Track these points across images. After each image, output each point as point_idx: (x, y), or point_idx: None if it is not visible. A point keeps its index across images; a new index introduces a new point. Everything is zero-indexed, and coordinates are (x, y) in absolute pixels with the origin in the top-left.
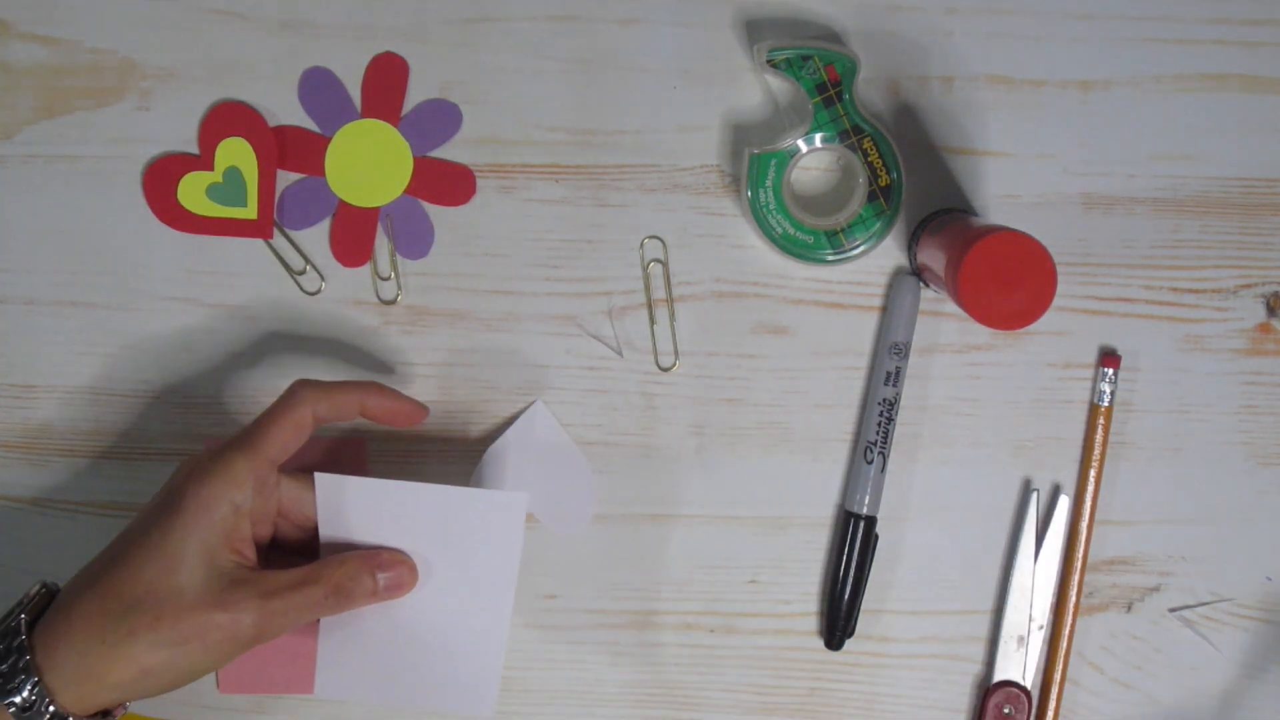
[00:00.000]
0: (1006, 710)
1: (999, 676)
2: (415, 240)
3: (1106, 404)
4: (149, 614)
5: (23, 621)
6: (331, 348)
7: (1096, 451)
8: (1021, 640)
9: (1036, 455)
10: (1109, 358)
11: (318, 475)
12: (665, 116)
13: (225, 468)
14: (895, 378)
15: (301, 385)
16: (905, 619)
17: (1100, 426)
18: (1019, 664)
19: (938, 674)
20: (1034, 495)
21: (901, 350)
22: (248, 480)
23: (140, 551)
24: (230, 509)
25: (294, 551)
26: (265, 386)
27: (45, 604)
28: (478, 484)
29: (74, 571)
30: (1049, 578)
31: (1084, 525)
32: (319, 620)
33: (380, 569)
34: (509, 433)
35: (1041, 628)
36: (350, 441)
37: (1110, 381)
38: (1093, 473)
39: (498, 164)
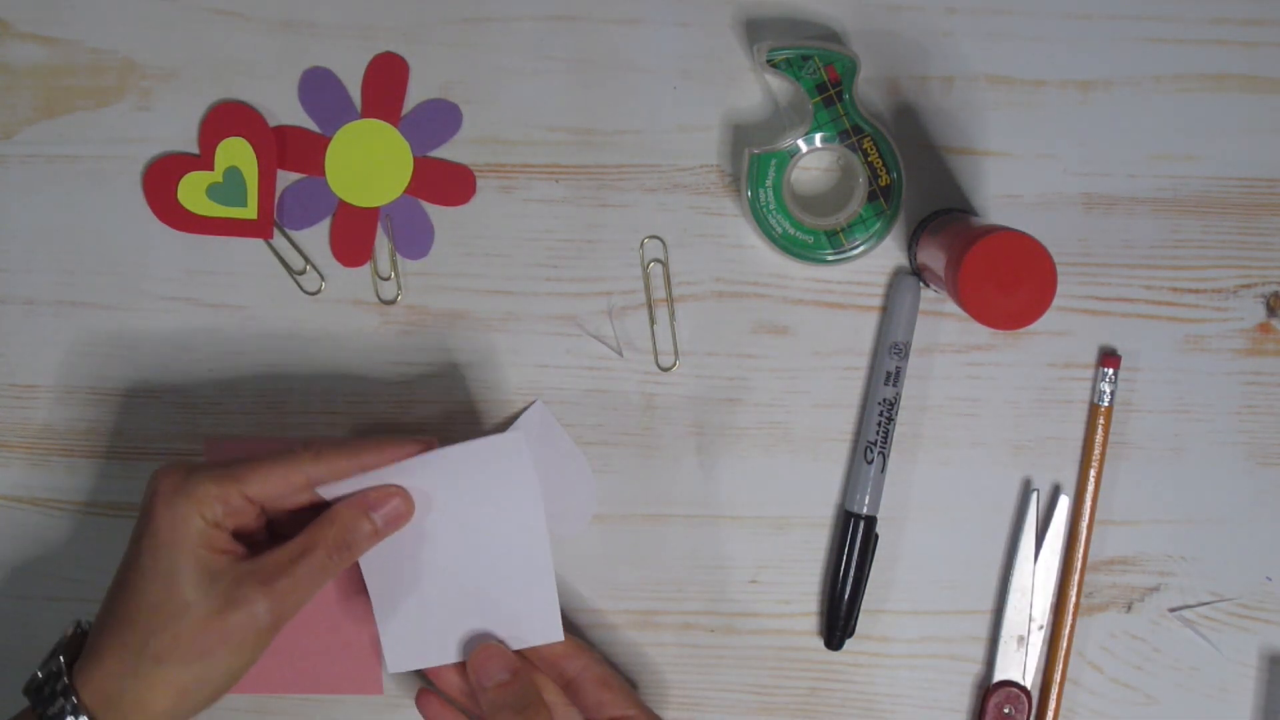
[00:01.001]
0: (1007, 710)
1: (999, 676)
2: (415, 240)
3: (1107, 404)
4: (168, 636)
5: (62, 664)
6: (331, 348)
7: (1096, 451)
8: (1021, 640)
9: (1036, 455)
10: (1109, 358)
11: (320, 489)
12: (665, 116)
13: (193, 489)
14: (895, 378)
15: (304, 448)
16: (905, 619)
17: (1100, 426)
18: (1019, 664)
19: (938, 674)
20: (1034, 495)
21: (901, 350)
22: (215, 505)
23: (137, 577)
24: (202, 523)
25: (298, 528)
26: (265, 386)
27: (81, 643)
28: None
29: (73, 571)
30: (1049, 578)
31: (1084, 525)
32: (371, 609)
33: (372, 508)
34: (506, 433)
35: (1041, 628)
36: None
37: (1110, 381)
38: (1093, 473)
39: (498, 164)
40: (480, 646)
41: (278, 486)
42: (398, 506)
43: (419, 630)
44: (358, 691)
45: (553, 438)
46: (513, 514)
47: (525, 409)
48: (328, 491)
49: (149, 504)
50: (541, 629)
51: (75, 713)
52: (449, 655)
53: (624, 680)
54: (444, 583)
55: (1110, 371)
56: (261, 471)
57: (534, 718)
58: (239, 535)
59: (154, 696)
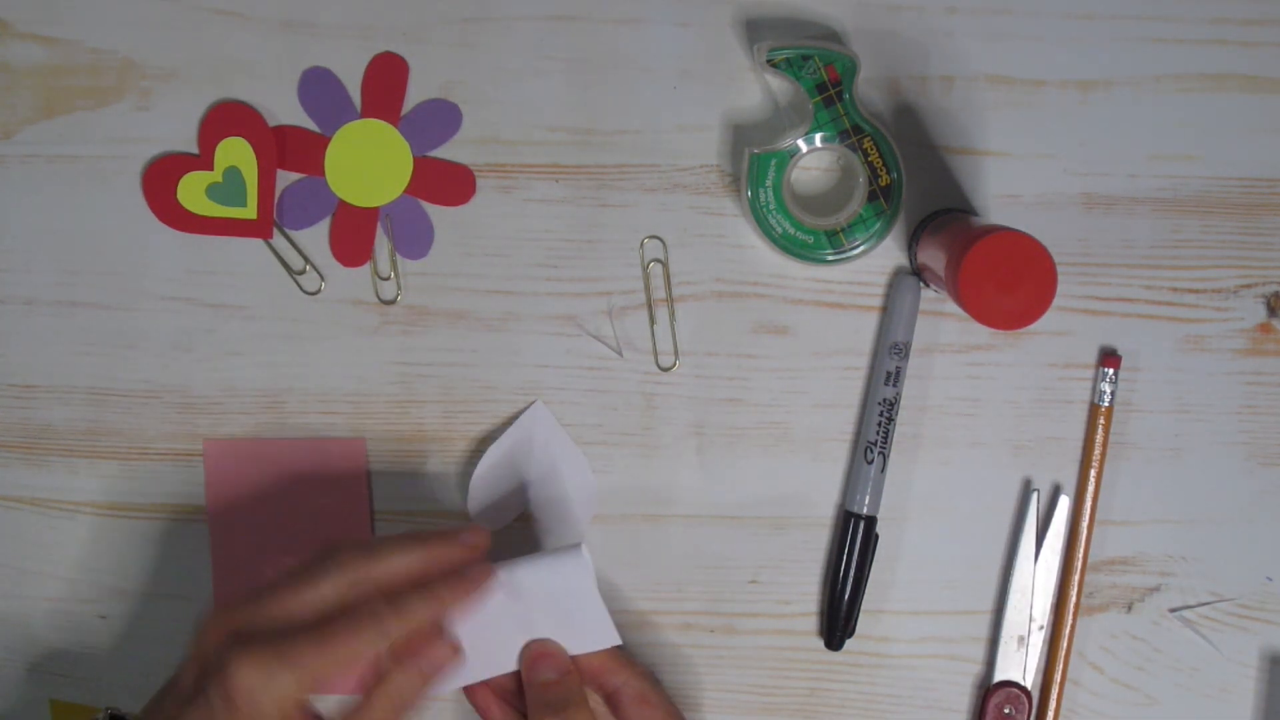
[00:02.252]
0: (1007, 710)
1: (999, 677)
2: (415, 240)
3: (1107, 404)
4: None
5: None
6: (331, 348)
7: (1097, 452)
8: (1022, 640)
9: (1036, 455)
10: (1109, 358)
11: None
12: (665, 116)
13: (274, 685)
14: (895, 378)
15: (377, 604)
16: (905, 619)
17: (1100, 426)
18: (1019, 664)
19: (938, 674)
20: (1034, 495)
21: (901, 350)
22: (304, 693)
23: None
24: (289, 712)
25: None
26: (265, 386)
27: None
28: (476, 484)
29: (72, 571)
30: (1049, 578)
31: (1084, 525)
32: None
33: (422, 668)
34: (509, 433)
35: (1042, 628)
36: (350, 443)
37: (1111, 381)
38: (1093, 473)
39: (498, 164)
40: (535, 642)
41: (360, 660)
42: (442, 654)
43: (474, 646)
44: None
45: (553, 438)
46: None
47: (525, 409)
48: None
49: (232, 690)
50: (595, 638)
51: None
52: (506, 666)
53: (666, 698)
54: (496, 607)
55: (1110, 371)
56: (343, 646)
57: (572, 717)
58: None
59: None
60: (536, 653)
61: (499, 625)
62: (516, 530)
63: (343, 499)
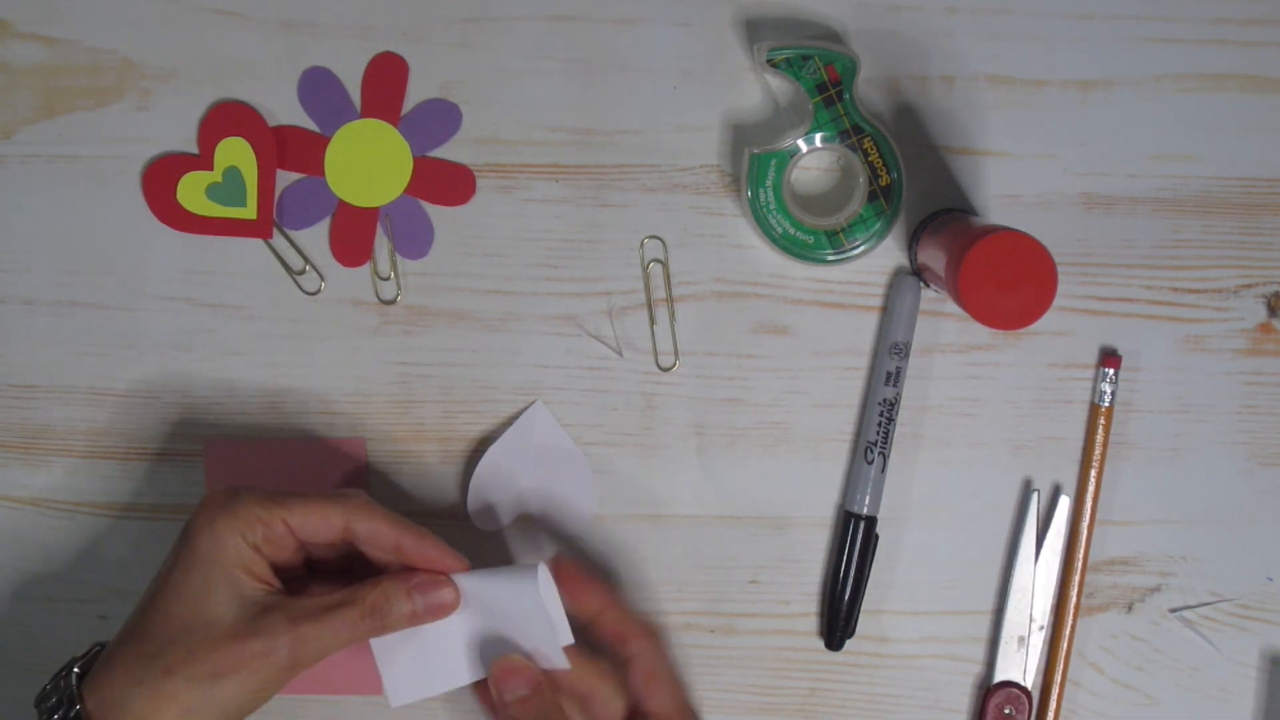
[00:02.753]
0: (1007, 711)
1: (999, 677)
2: (415, 240)
3: (1107, 404)
4: (182, 649)
5: (74, 675)
6: (331, 348)
7: (1097, 452)
8: (1022, 641)
9: (1036, 455)
10: (1110, 358)
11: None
12: (665, 116)
13: (237, 509)
14: (895, 378)
15: (356, 495)
16: (905, 619)
17: (1101, 427)
18: (1019, 664)
19: (938, 674)
20: (1035, 495)
21: (902, 350)
22: (256, 526)
23: (166, 591)
24: (241, 543)
25: (337, 573)
26: (265, 386)
27: (95, 660)
28: (476, 484)
29: (72, 571)
30: (1049, 578)
31: (1084, 525)
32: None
33: (419, 590)
34: (509, 433)
35: (1042, 628)
36: (350, 443)
37: (1111, 382)
38: (1093, 473)
39: (498, 164)
40: (500, 659)
41: (318, 522)
42: (444, 597)
43: (420, 658)
44: (359, 692)
45: (553, 438)
46: (531, 635)
47: (525, 409)
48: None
49: (191, 521)
50: (546, 656)
51: (76, 718)
52: (452, 683)
53: (675, 676)
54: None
55: (1111, 372)
56: (305, 504)
57: None
58: (279, 572)
59: (158, 710)
60: (503, 669)
61: (456, 636)
62: (516, 530)
63: None
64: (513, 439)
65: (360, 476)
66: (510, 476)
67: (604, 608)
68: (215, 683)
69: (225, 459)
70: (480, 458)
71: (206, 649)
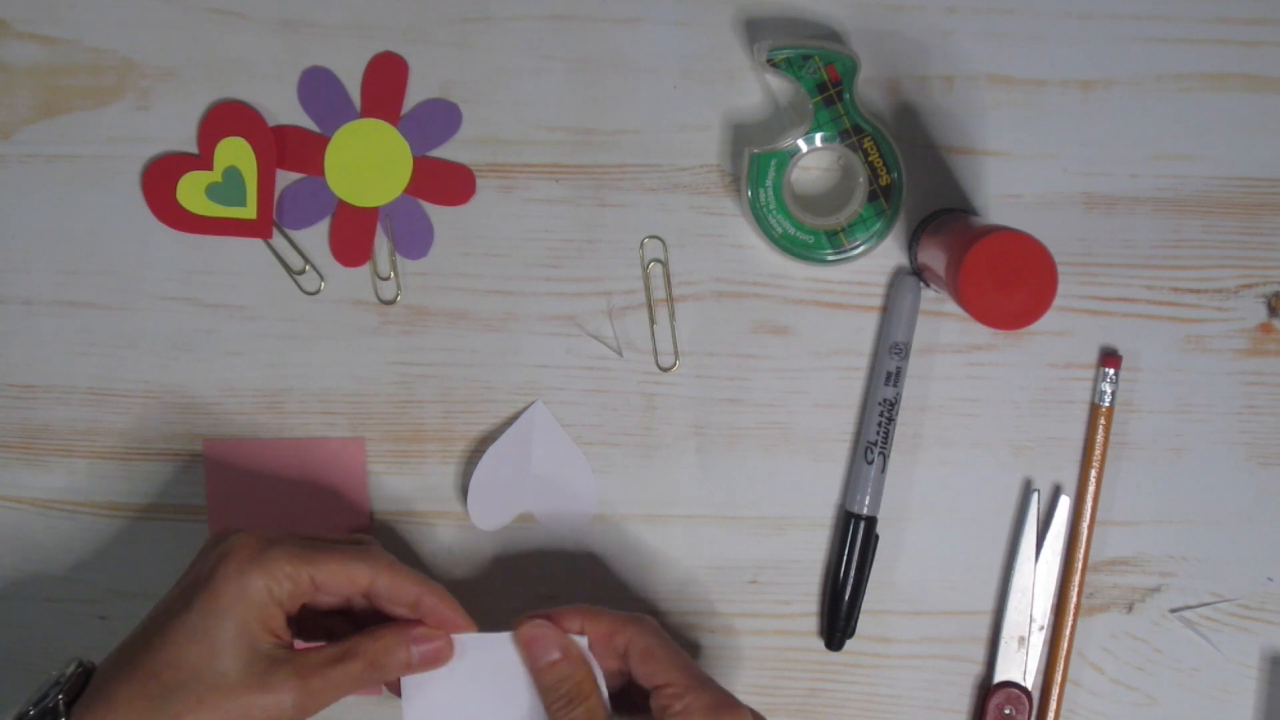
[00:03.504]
0: (1007, 711)
1: (1000, 677)
2: (415, 240)
3: (1107, 404)
4: (192, 697)
5: (60, 703)
6: (331, 348)
7: (1097, 452)
8: (1022, 641)
9: (1037, 455)
10: (1110, 358)
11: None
12: (665, 116)
13: (269, 565)
14: (895, 378)
15: (379, 553)
16: (905, 619)
17: (1101, 427)
18: (1020, 665)
19: (938, 674)
20: (1035, 495)
21: (902, 350)
22: (285, 583)
23: (180, 633)
24: (268, 598)
25: (324, 614)
26: (265, 386)
27: (82, 684)
28: (476, 483)
29: (71, 572)
30: (1050, 578)
31: (1085, 526)
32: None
33: (415, 642)
34: (509, 432)
35: (1042, 628)
36: (350, 443)
37: (1111, 382)
38: (1093, 473)
39: (497, 164)
40: (528, 622)
41: (343, 580)
42: (439, 649)
43: (446, 713)
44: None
45: (553, 438)
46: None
47: (525, 409)
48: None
49: (218, 566)
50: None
51: None
52: None
53: (672, 648)
54: (480, 679)
55: (1111, 372)
56: (334, 560)
57: (579, 703)
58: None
59: None
60: (532, 632)
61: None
62: (516, 530)
63: (342, 499)
64: (513, 439)
65: (359, 477)
66: (510, 476)
67: (584, 623)
68: None
69: (225, 459)
70: (481, 458)
71: (216, 698)
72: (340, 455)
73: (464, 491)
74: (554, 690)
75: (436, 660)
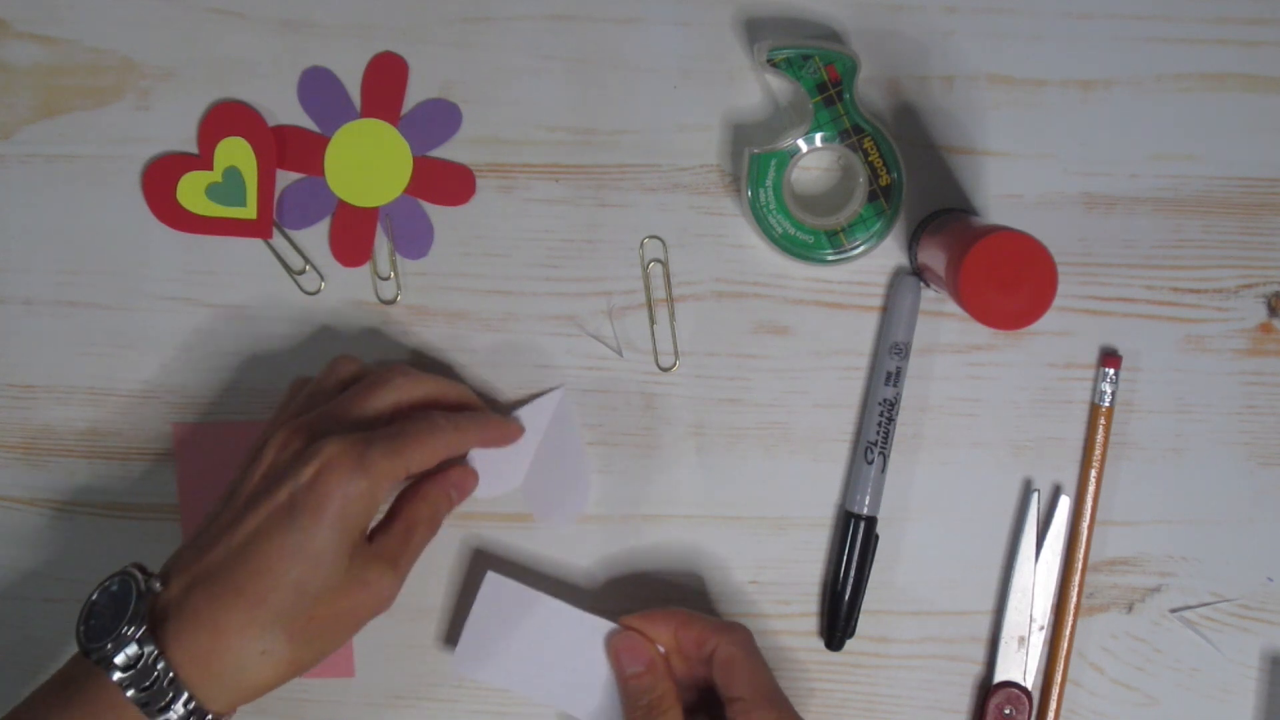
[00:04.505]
0: (1007, 711)
1: (1000, 677)
2: (415, 240)
3: (1107, 404)
4: (302, 616)
5: (145, 634)
6: (331, 348)
7: (1097, 452)
8: (1022, 641)
9: (1037, 455)
10: (1110, 358)
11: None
12: (665, 116)
13: (372, 467)
14: (896, 378)
15: (441, 420)
16: (905, 619)
17: (1101, 427)
18: (1019, 664)
19: (938, 674)
20: (1035, 495)
21: (902, 350)
22: (387, 484)
23: (283, 553)
24: (374, 505)
25: None
26: (265, 386)
27: (152, 605)
28: (476, 452)
29: (71, 571)
30: (1050, 578)
31: (1085, 526)
32: (460, 598)
33: (454, 486)
34: (524, 409)
35: (1042, 628)
36: None
37: (1111, 382)
38: (1093, 473)
39: (497, 164)
40: (620, 634)
41: (430, 462)
42: (469, 480)
43: (500, 647)
44: (329, 675)
45: (565, 428)
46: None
47: (547, 391)
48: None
49: (318, 481)
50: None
51: (175, 688)
52: (511, 682)
53: (755, 661)
54: (547, 628)
55: (1111, 372)
56: (421, 447)
57: (658, 717)
58: None
59: (265, 673)
60: (622, 643)
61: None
62: (515, 530)
63: None
64: (526, 415)
65: None
66: (514, 450)
67: (677, 628)
68: (326, 639)
69: (194, 441)
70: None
71: (326, 611)
72: None
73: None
74: (635, 700)
75: (469, 490)
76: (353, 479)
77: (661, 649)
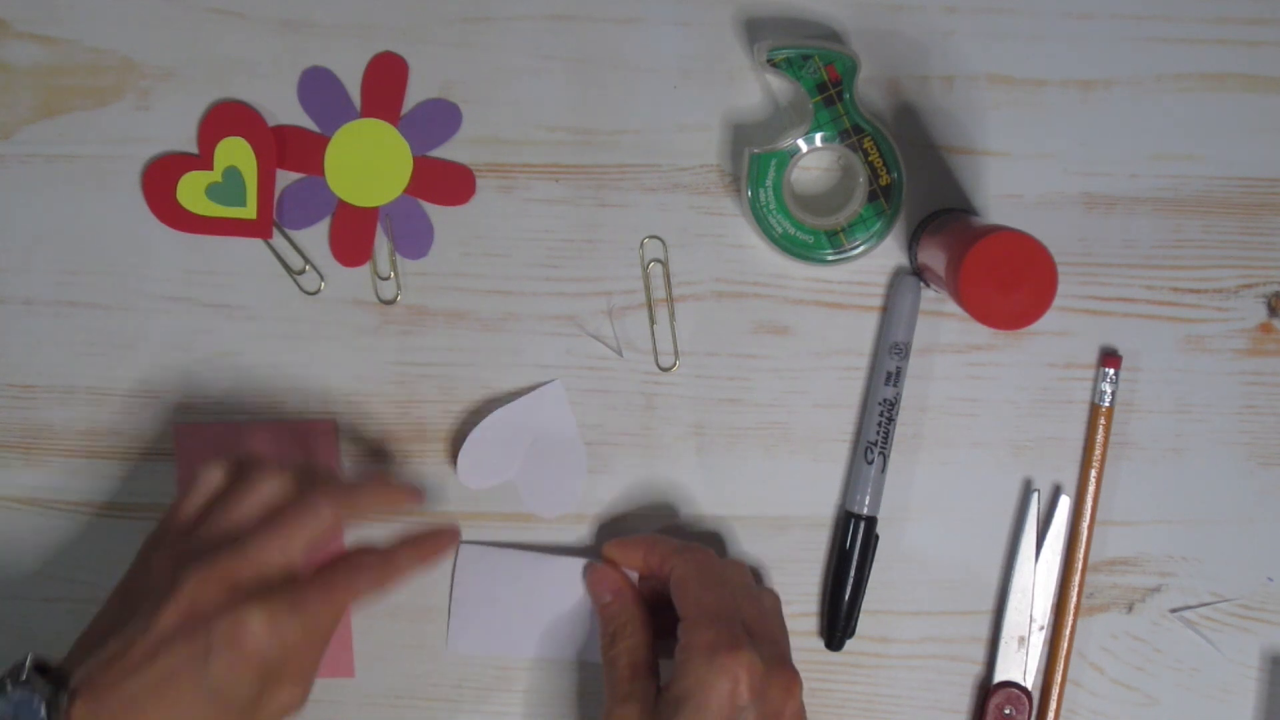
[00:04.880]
0: (1007, 711)
1: (1000, 677)
2: (415, 240)
3: (1107, 404)
4: None
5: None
6: (331, 348)
7: (1097, 452)
8: (1022, 641)
9: (1037, 455)
10: (1110, 358)
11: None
12: (665, 116)
13: (297, 632)
14: (895, 378)
15: (366, 556)
16: (905, 619)
17: (1101, 427)
18: (1019, 665)
19: (938, 674)
20: (1034, 495)
21: (902, 350)
22: (295, 638)
23: (196, 697)
24: (292, 656)
25: None
26: (265, 386)
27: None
28: (474, 437)
29: (71, 572)
30: (1050, 578)
31: (1085, 526)
32: (450, 584)
33: (371, 577)
34: (520, 401)
35: (1042, 628)
36: (321, 423)
37: (1111, 382)
38: (1093, 473)
39: (497, 164)
40: (592, 567)
41: (367, 597)
42: (396, 565)
43: (488, 618)
44: (329, 675)
45: (559, 420)
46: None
47: (542, 384)
48: None
49: (243, 643)
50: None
51: None
52: (509, 648)
53: (706, 581)
54: (527, 584)
55: (1111, 372)
56: (351, 595)
57: (620, 641)
58: None
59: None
60: (594, 576)
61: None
62: (515, 529)
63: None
64: (522, 408)
65: (331, 458)
66: (508, 442)
67: (645, 553)
68: None
69: (195, 441)
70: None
71: None
72: (311, 436)
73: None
74: (605, 628)
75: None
76: (273, 639)
77: (635, 576)
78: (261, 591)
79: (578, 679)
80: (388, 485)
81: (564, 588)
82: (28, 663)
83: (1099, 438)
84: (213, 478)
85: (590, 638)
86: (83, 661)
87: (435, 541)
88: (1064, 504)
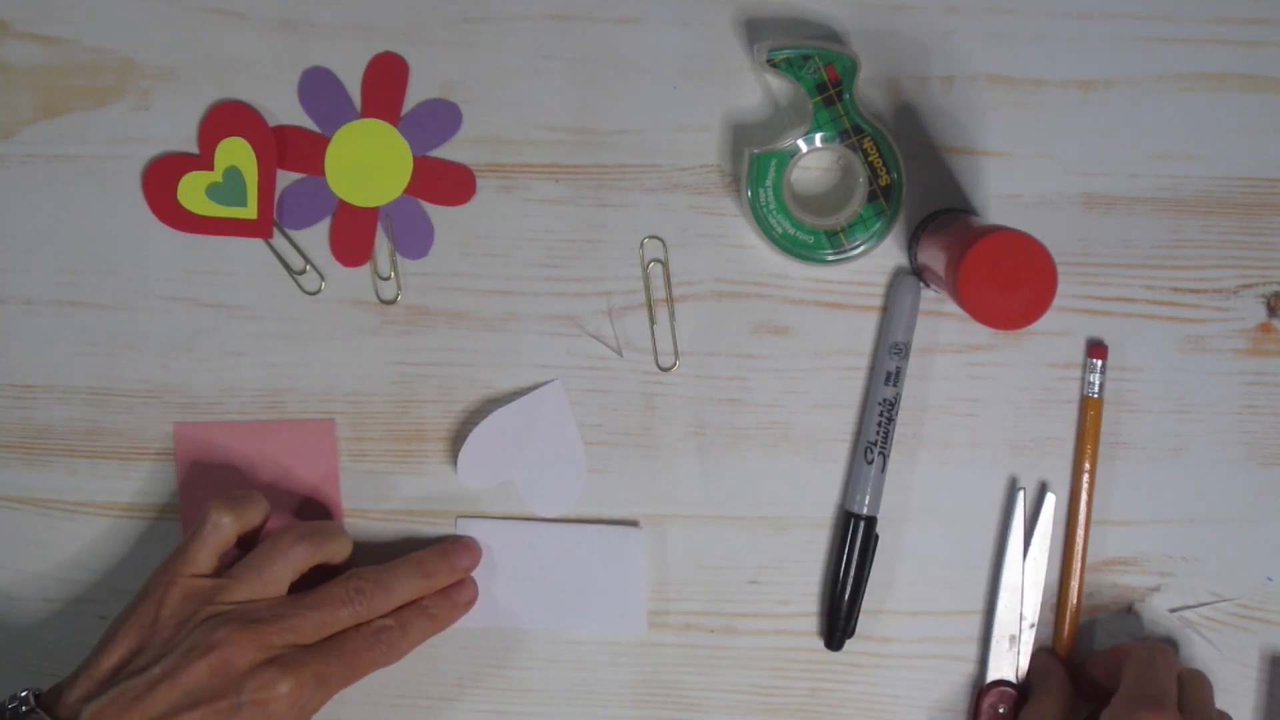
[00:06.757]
0: (1001, 710)
1: (992, 676)
2: (415, 240)
3: (1096, 395)
4: None
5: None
6: (331, 347)
7: (1089, 444)
8: (1014, 639)
9: (1037, 455)
10: (1096, 348)
11: (460, 520)
12: (665, 116)
13: (310, 701)
14: (895, 378)
15: (387, 626)
16: (905, 619)
17: (1091, 418)
18: (1011, 663)
19: (938, 674)
20: (1020, 493)
21: (901, 350)
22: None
23: None
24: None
25: None
26: (265, 386)
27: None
28: (474, 437)
29: (71, 572)
30: (1039, 575)
31: (1081, 520)
32: None
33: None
34: (520, 401)
35: (1033, 625)
36: (320, 425)
37: (1099, 372)
38: (1087, 464)
39: (498, 164)
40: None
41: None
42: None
43: (500, 590)
44: None
45: (559, 420)
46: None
47: (542, 384)
48: None
49: (271, 707)
50: (623, 621)
51: None
52: (523, 620)
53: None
54: (538, 554)
55: (1098, 362)
56: (373, 663)
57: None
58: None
59: None
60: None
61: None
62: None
63: (314, 480)
64: (521, 408)
65: (330, 458)
66: (508, 442)
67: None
68: None
69: (195, 441)
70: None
71: None
72: (310, 436)
73: (456, 459)
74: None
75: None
76: (297, 706)
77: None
78: (291, 655)
79: (578, 679)
80: (430, 576)
81: (571, 554)
82: (27, 696)
83: (1090, 429)
84: (222, 523)
85: (589, 607)
86: (94, 696)
87: (450, 613)
88: (1050, 501)
